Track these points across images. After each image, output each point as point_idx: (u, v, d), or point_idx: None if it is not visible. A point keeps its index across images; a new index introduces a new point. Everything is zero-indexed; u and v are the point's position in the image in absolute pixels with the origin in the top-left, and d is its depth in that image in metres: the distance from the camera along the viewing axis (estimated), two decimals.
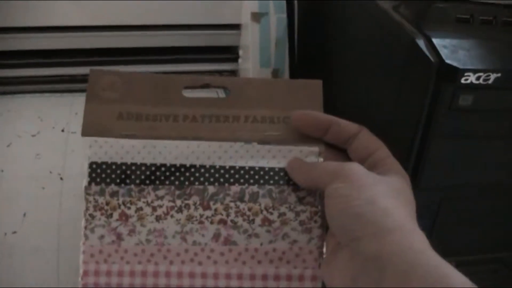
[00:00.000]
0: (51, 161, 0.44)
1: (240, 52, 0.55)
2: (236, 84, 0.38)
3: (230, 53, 0.56)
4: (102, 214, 0.36)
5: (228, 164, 0.36)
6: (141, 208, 0.36)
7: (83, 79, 0.52)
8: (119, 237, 0.36)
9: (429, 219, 0.38)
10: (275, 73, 0.51)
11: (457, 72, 0.32)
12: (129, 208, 0.36)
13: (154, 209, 0.36)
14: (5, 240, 0.42)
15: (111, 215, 0.36)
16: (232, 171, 0.36)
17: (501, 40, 0.35)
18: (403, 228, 0.29)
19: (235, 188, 0.36)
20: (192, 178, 0.36)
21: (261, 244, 0.36)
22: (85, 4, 0.49)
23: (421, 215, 0.38)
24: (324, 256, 0.35)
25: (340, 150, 0.37)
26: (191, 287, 0.35)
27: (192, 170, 0.36)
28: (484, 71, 0.32)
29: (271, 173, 0.36)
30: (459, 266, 0.35)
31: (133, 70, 0.53)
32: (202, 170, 0.36)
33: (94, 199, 0.36)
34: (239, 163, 0.37)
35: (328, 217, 0.33)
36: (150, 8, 0.51)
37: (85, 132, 0.37)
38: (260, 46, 0.51)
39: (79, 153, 0.45)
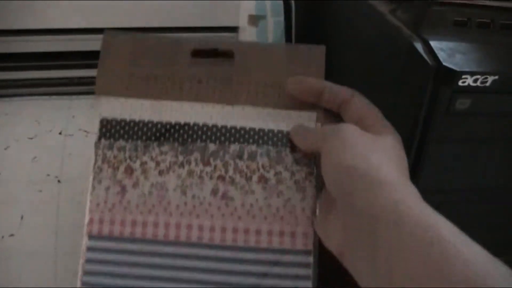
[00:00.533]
0: (48, 164, 0.44)
1: None
2: (242, 49, 0.40)
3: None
4: (109, 167, 0.38)
5: (229, 124, 0.38)
6: (146, 163, 0.38)
7: (80, 82, 0.52)
8: (124, 188, 0.38)
9: None
10: None
11: (455, 75, 0.32)
12: (134, 162, 0.38)
13: (158, 163, 0.38)
14: (3, 243, 0.42)
15: (117, 168, 0.38)
16: (232, 131, 0.38)
17: (499, 43, 0.35)
18: (395, 182, 0.30)
19: (235, 146, 0.38)
20: (194, 136, 0.38)
21: (257, 200, 0.37)
22: (83, 6, 0.49)
23: None
24: (318, 214, 0.37)
25: (337, 115, 0.37)
26: (188, 238, 0.37)
27: (195, 128, 0.38)
28: (481, 73, 0.32)
29: (270, 135, 0.38)
30: None
31: None
32: (205, 129, 0.38)
33: (103, 152, 0.38)
34: (240, 123, 0.38)
35: (323, 173, 0.33)
36: (148, 11, 0.51)
37: (98, 91, 0.39)
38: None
39: (77, 156, 0.45)
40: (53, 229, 0.43)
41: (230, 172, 0.38)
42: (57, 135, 0.46)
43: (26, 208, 0.43)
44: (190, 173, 0.38)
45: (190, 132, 0.38)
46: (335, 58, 0.46)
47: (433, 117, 0.33)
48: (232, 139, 0.38)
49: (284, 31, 0.51)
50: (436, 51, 0.33)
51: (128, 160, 0.38)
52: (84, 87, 0.52)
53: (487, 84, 0.32)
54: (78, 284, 0.37)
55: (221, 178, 0.38)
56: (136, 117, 0.38)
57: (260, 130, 0.38)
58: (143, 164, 0.38)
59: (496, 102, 0.34)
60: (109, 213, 0.37)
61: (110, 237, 0.37)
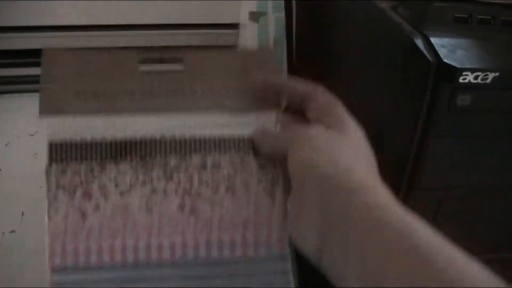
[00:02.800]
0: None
1: None
2: (191, 56, 0.38)
3: None
4: (65, 193, 0.35)
5: (188, 134, 0.36)
6: (104, 184, 0.36)
7: None
8: (84, 215, 0.35)
9: (428, 220, 0.38)
10: None
11: (455, 72, 0.32)
12: (91, 185, 0.35)
13: (117, 184, 0.36)
14: (3, 239, 0.42)
15: (74, 193, 0.35)
16: (192, 141, 0.36)
17: (499, 39, 0.35)
18: (366, 185, 0.30)
19: (197, 157, 0.36)
20: (153, 151, 0.36)
21: (227, 211, 0.36)
22: (84, 4, 0.49)
23: (420, 216, 0.38)
24: (291, 217, 0.35)
25: (299, 113, 0.37)
26: (159, 259, 0.35)
27: (152, 142, 0.36)
28: (482, 70, 0.32)
29: (231, 141, 0.36)
30: None
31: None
32: (163, 142, 0.36)
33: (56, 178, 0.36)
34: (199, 132, 0.37)
35: (292, 180, 0.33)
36: (149, 8, 0.51)
37: (43, 112, 0.36)
38: (258, 45, 0.51)
39: None
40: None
41: (196, 185, 0.36)
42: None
43: (27, 205, 0.43)
44: (154, 190, 0.36)
45: (148, 147, 0.36)
46: (336, 54, 0.46)
47: (434, 114, 0.33)
48: (193, 149, 0.37)
49: (285, 28, 0.51)
50: (437, 48, 0.33)
51: (84, 184, 0.35)
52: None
53: (488, 80, 0.32)
54: None
55: (187, 192, 0.36)
56: (88, 137, 0.36)
57: (220, 137, 0.36)
58: (101, 186, 0.36)
59: (497, 99, 0.34)
60: (71, 243, 0.35)
61: (76, 269, 0.35)
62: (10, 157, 0.44)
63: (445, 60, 0.32)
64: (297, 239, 0.35)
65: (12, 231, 0.42)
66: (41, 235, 0.43)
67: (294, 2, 0.54)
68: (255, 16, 0.50)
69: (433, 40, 0.33)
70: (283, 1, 0.50)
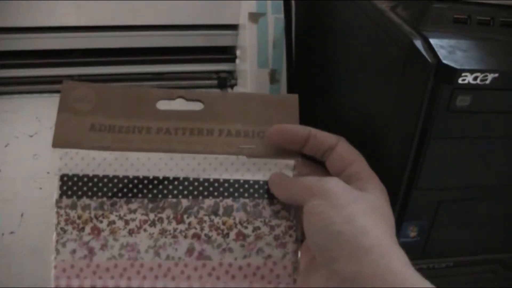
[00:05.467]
0: (48, 162, 0.44)
1: (238, 53, 0.55)
2: (211, 98, 0.37)
3: (227, 53, 0.56)
4: (73, 228, 0.35)
5: (202, 176, 0.36)
6: (114, 222, 0.35)
7: (80, 79, 0.52)
8: (91, 251, 0.35)
9: (428, 220, 0.38)
10: (273, 74, 0.51)
11: (455, 73, 0.32)
12: (101, 221, 0.35)
13: (127, 222, 0.35)
14: (3, 241, 0.42)
15: (83, 229, 0.35)
16: (206, 184, 0.36)
17: (499, 40, 0.35)
18: (381, 247, 0.29)
19: (209, 201, 0.36)
20: (165, 191, 0.36)
21: (235, 259, 0.35)
22: (83, 5, 0.49)
23: (419, 216, 0.38)
24: (301, 270, 0.35)
25: (319, 163, 0.36)
26: None
27: (165, 182, 0.36)
28: (481, 71, 0.32)
29: (246, 186, 0.36)
30: (457, 266, 0.35)
31: (131, 70, 0.53)
32: (176, 183, 0.36)
33: (66, 212, 0.35)
34: (213, 175, 0.36)
35: (306, 234, 0.32)
36: (148, 9, 0.51)
37: (56, 144, 0.36)
38: (257, 47, 0.51)
39: None
40: (53, 226, 0.43)
41: (206, 230, 0.35)
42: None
43: (27, 206, 0.43)
44: (163, 232, 0.35)
45: (160, 187, 0.36)
46: (335, 56, 0.46)
47: (433, 115, 0.33)
48: (205, 193, 0.36)
49: (284, 30, 0.51)
50: (436, 49, 0.33)
51: (94, 220, 0.35)
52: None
53: (487, 81, 0.32)
54: None
55: (197, 236, 0.35)
56: (100, 172, 0.36)
57: (235, 181, 0.36)
58: (110, 223, 0.35)
59: (496, 100, 0.34)
60: (77, 279, 0.35)
61: None
62: (10, 158, 0.44)
63: (444, 61, 0.32)
64: None
65: (12, 232, 0.42)
66: (40, 236, 0.43)
67: (293, 3, 0.54)
68: (254, 17, 0.50)
69: (432, 41, 0.33)
70: (282, 2, 0.50)
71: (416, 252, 0.39)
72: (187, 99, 0.38)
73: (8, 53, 0.50)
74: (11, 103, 0.48)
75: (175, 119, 0.37)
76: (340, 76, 0.46)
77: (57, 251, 0.35)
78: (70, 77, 0.52)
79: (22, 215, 0.42)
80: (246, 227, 0.36)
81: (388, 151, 0.37)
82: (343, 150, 0.35)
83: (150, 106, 0.37)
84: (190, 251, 0.35)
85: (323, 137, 0.35)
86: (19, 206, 0.43)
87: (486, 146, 0.36)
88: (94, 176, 0.36)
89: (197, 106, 0.37)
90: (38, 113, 0.47)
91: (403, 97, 0.35)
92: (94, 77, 0.53)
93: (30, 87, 0.51)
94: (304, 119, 0.38)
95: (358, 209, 0.31)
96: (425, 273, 0.29)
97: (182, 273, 0.35)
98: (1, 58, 0.51)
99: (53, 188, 0.43)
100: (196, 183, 0.36)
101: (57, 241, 0.35)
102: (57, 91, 0.51)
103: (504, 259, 0.42)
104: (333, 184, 0.32)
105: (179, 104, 0.37)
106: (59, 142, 0.36)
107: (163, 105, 0.37)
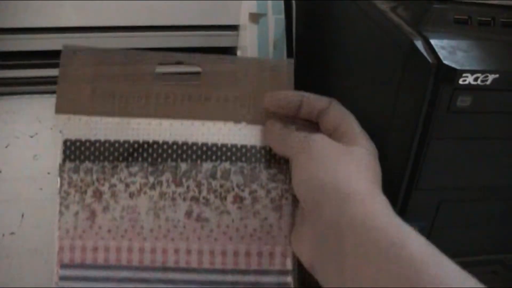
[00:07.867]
0: (49, 162, 0.44)
1: (238, 53, 0.55)
2: (208, 63, 0.38)
3: (228, 54, 0.56)
4: (76, 191, 0.36)
5: (200, 141, 0.37)
6: (115, 185, 0.36)
7: None
8: (93, 213, 0.36)
9: (428, 221, 0.38)
10: None
11: (455, 73, 0.32)
12: (102, 185, 0.36)
13: (128, 186, 0.36)
14: (3, 241, 0.42)
15: (85, 192, 0.36)
16: (204, 148, 0.37)
17: (499, 41, 0.35)
18: (363, 194, 0.30)
19: (207, 165, 0.37)
20: (164, 155, 0.37)
21: (233, 221, 0.36)
22: (84, 5, 0.49)
23: (420, 217, 0.38)
24: (294, 231, 0.36)
25: (314, 125, 0.37)
26: (164, 263, 0.36)
27: (165, 146, 0.37)
28: (482, 72, 0.32)
29: (243, 150, 0.37)
30: None
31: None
32: (175, 147, 0.37)
33: (69, 176, 0.36)
34: (211, 140, 0.37)
35: (293, 186, 0.33)
36: (148, 9, 0.51)
37: (59, 110, 0.37)
38: (258, 47, 0.51)
39: None
40: (53, 227, 0.43)
41: (204, 193, 0.36)
42: (57, 133, 0.46)
43: (27, 206, 0.43)
44: (162, 194, 0.36)
45: (160, 151, 0.37)
46: (336, 56, 0.46)
47: (434, 115, 0.33)
48: (204, 157, 0.37)
49: (285, 29, 0.51)
50: (437, 49, 0.33)
51: (96, 183, 0.36)
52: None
53: (488, 82, 0.32)
54: None
55: (195, 199, 0.36)
56: (102, 137, 0.37)
57: (232, 146, 0.37)
58: (112, 186, 0.36)
59: (497, 100, 0.34)
60: (80, 240, 0.36)
61: (83, 265, 0.36)
62: (10, 158, 0.44)
63: (445, 62, 0.32)
64: (296, 249, 0.35)
65: (12, 233, 0.42)
66: (41, 237, 0.43)
67: (293, 3, 0.54)
68: (255, 18, 0.50)
69: (432, 41, 0.33)
70: (282, 3, 0.50)
71: None
72: (185, 63, 0.39)
73: (8, 53, 0.50)
74: (11, 103, 0.48)
75: (174, 85, 0.38)
76: (340, 76, 0.46)
77: (61, 213, 0.36)
78: None
79: (22, 215, 0.42)
80: (243, 190, 0.36)
81: (389, 152, 0.37)
82: (334, 111, 0.36)
83: (149, 70, 0.38)
84: (188, 213, 0.36)
85: (316, 101, 0.37)
86: (20, 207, 0.43)
87: (486, 147, 0.36)
88: (96, 141, 0.37)
89: (195, 68, 0.38)
90: (39, 113, 0.47)
91: (403, 98, 0.35)
92: None
93: (31, 88, 0.51)
94: None
95: (341, 160, 0.32)
96: None
97: (181, 234, 0.36)
98: (2, 59, 0.51)
99: (53, 189, 0.43)
100: (194, 147, 0.37)
101: (60, 204, 0.36)
102: None
103: (505, 260, 0.42)
104: (318, 137, 0.33)
105: (177, 68, 0.38)
106: (61, 108, 0.37)
107: (162, 68, 0.38)
